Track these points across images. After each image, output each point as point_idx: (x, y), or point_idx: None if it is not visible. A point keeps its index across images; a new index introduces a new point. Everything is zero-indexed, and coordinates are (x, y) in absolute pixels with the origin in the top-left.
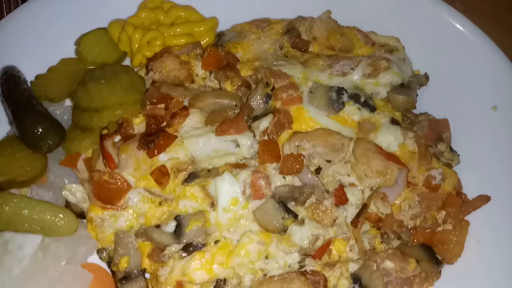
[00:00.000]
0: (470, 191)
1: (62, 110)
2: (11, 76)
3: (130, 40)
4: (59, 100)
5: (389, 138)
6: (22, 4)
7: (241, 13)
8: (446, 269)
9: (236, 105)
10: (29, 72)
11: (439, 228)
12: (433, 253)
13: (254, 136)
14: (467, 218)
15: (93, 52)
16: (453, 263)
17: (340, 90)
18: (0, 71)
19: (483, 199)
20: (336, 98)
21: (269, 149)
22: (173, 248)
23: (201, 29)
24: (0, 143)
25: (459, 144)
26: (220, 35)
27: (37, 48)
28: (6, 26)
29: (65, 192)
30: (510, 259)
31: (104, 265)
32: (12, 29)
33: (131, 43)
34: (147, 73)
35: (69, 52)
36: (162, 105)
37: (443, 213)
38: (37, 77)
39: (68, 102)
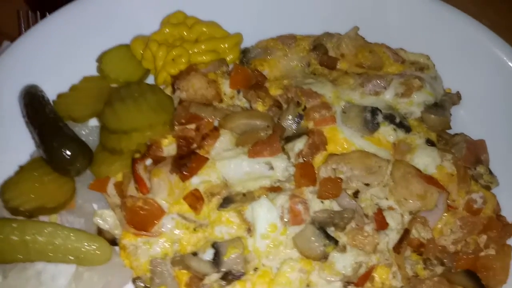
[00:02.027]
0: (509, 214)
1: (87, 131)
2: (35, 96)
3: (154, 57)
4: (84, 120)
5: (427, 160)
6: (40, 20)
7: (264, 29)
8: None
9: (268, 126)
10: (50, 91)
11: (482, 253)
12: (478, 280)
13: (288, 158)
14: (509, 242)
15: (116, 70)
16: None
17: (374, 111)
18: (22, 90)
19: None
20: (370, 118)
21: (306, 173)
22: (213, 277)
23: (226, 45)
24: (25, 166)
25: (496, 165)
26: (245, 52)
27: (57, 65)
28: (25, 43)
29: (97, 218)
30: None
31: None
32: (31, 46)
33: (156, 60)
34: (173, 91)
35: (91, 69)
36: (192, 126)
37: (485, 237)
38: (59, 96)
39: (92, 122)
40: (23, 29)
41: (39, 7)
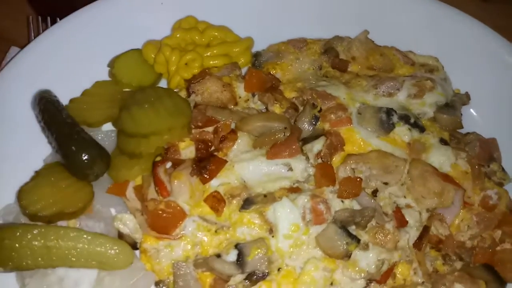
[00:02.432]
0: None
1: (102, 135)
2: (50, 101)
3: (167, 61)
4: (99, 125)
5: (441, 159)
6: (51, 26)
7: (274, 33)
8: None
9: (285, 128)
10: (62, 96)
11: (498, 248)
12: (496, 273)
13: (307, 159)
14: None
15: (128, 74)
16: None
17: (390, 111)
18: (35, 95)
19: None
20: (386, 119)
21: (326, 173)
22: (238, 278)
23: (237, 49)
24: (41, 172)
25: (508, 162)
26: (257, 55)
27: (68, 70)
28: (36, 48)
29: (117, 222)
30: None
31: None
32: (42, 52)
33: (169, 64)
34: (188, 95)
35: (102, 74)
36: (209, 129)
37: (499, 232)
38: (71, 101)
39: (105, 127)
40: (32, 35)
41: (46, 13)
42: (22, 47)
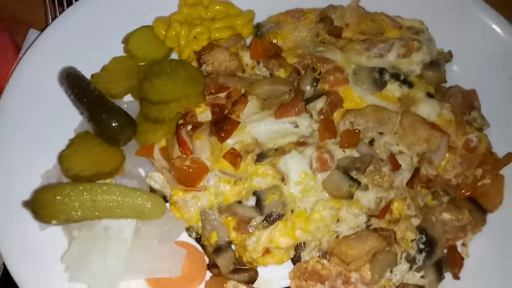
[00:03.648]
0: (499, 150)
1: (126, 105)
2: (77, 76)
3: (177, 36)
4: (121, 96)
5: (428, 110)
6: (67, 8)
7: (273, 5)
8: (489, 216)
9: (290, 90)
10: (83, 72)
11: (479, 183)
12: (478, 204)
13: (311, 116)
14: (501, 172)
15: (142, 49)
16: (495, 211)
17: (382, 70)
18: (62, 72)
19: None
20: (379, 77)
21: (328, 127)
22: (257, 220)
23: (240, 22)
24: (75, 140)
25: (486, 110)
26: (258, 26)
27: (87, 48)
28: (56, 29)
29: (149, 180)
30: None
31: (192, 241)
32: (62, 32)
33: (179, 38)
34: (199, 65)
35: (118, 50)
36: (222, 94)
37: (480, 170)
38: (93, 76)
39: (126, 98)
40: (49, 17)
41: None
42: (39, 29)
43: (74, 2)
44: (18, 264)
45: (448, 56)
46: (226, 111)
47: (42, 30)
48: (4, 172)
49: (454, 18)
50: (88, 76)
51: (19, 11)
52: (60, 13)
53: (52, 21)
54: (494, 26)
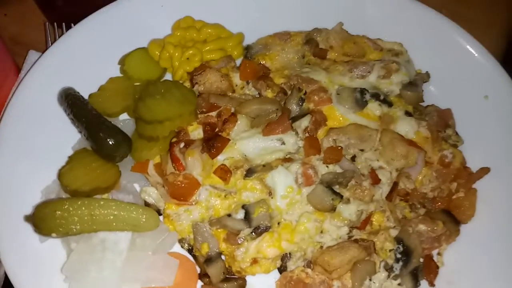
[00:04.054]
0: (473, 165)
1: (121, 124)
2: (76, 96)
3: (171, 57)
4: (117, 115)
5: (407, 128)
6: (66, 31)
7: (262, 28)
8: (463, 227)
9: (277, 109)
10: (81, 92)
11: (454, 196)
12: (453, 216)
13: (296, 134)
14: (474, 186)
15: (138, 70)
16: (468, 222)
17: (363, 91)
18: (61, 92)
19: (485, 171)
20: (360, 97)
21: (312, 144)
22: (246, 232)
23: (231, 44)
24: (73, 156)
25: (461, 127)
26: (248, 48)
27: (85, 69)
28: (56, 51)
29: (144, 194)
30: (510, 214)
31: (184, 252)
32: (61, 54)
33: (172, 60)
34: (192, 86)
35: (114, 71)
36: (213, 113)
37: (455, 184)
38: (91, 95)
39: (121, 117)
40: (49, 39)
41: (59, 21)
42: (39, 50)
43: (73, 25)
44: (19, 274)
45: (425, 77)
46: (217, 129)
47: (41, 52)
48: (6, 188)
49: (432, 41)
50: (86, 95)
51: (19, 32)
52: (59, 36)
53: (51, 43)
54: (469, 48)
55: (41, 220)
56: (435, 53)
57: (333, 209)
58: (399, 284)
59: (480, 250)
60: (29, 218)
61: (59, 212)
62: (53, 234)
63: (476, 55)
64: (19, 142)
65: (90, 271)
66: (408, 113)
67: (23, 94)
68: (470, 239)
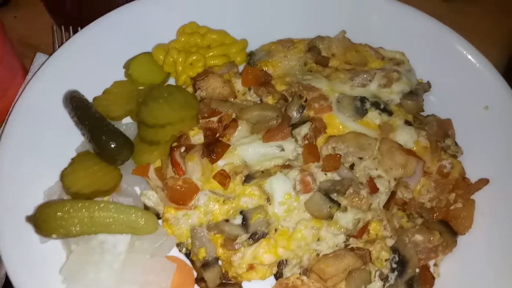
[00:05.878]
0: (472, 176)
1: (124, 127)
2: (81, 99)
3: (175, 62)
4: (120, 119)
5: (406, 137)
6: (73, 35)
7: (265, 35)
8: (460, 238)
9: (277, 116)
10: (86, 95)
11: (452, 207)
12: (450, 227)
13: (296, 141)
14: (472, 197)
15: (142, 74)
16: (465, 233)
17: (363, 99)
18: (66, 95)
19: (483, 182)
20: (360, 106)
21: (311, 151)
22: (243, 237)
23: (234, 50)
24: (76, 159)
25: (460, 138)
26: (251, 54)
27: (90, 72)
28: (63, 54)
29: (144, 197)
30: (508, 226)
31: (182, 256)
32: (68, 57)
33: (176, 65)
34: (194, 91)
35: (119, 75)
36: (214, 119)
37: (453, 195)
38: (95, 99)
39: (125, 120)
40: (56, 42)
41: (67, 24)
42: (46, 52)
43: (79, 29)
44: (19, 274)
45: (426, 87)
46: (217, 135)
47: (49, 54)
48: (9, 188)
49: (433, 51)
50: (91, 98)
51: (27, 35)
52: (66, 39)
53: (59, 46)
54: (471, 59)
55: (43, 220)
56: (437, 63)
57: (330, 217)
58: None
59: (477, 262)
60: (31, 219)
61: (60, 214)
62: (54, 235)
63: (477, 65)
64: (24, 143)
65: (88, 273)
66: (408, 122)
67: (30, 95)
68: (467, 250)
